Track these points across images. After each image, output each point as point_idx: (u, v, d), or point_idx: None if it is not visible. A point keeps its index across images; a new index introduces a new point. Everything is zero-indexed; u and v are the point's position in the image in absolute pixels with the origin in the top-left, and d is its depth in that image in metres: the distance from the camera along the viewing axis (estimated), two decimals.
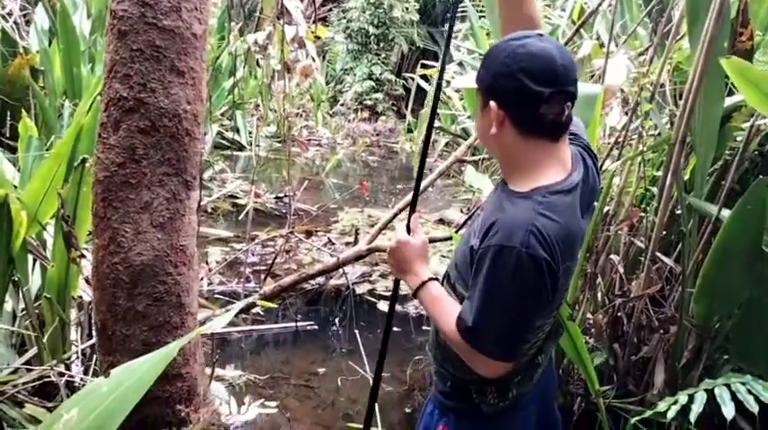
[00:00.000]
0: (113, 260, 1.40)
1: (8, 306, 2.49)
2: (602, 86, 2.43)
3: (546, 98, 1.09)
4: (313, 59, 5.45)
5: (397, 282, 1.50)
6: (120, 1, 1.42)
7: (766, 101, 1.74)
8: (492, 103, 1.14)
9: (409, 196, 3.60)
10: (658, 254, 2.39)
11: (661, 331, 2.40)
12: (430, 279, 1.30)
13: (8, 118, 4.80)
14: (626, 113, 2.48)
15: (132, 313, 1.42)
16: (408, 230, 1.37)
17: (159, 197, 1.43)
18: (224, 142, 7.71)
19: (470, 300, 1.16)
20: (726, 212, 2.02)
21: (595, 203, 2.61)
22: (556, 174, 1.16)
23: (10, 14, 5.64)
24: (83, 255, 2.14)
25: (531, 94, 1.09)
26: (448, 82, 6.89)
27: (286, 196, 5.86)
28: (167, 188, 1.44)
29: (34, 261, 2.54)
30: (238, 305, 2.60)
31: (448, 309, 1.24)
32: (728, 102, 2.19)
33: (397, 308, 3.79)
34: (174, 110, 1.44)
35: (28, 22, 6.05)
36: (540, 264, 1.07)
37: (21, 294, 2.44)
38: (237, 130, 8.25)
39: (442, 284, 1.35)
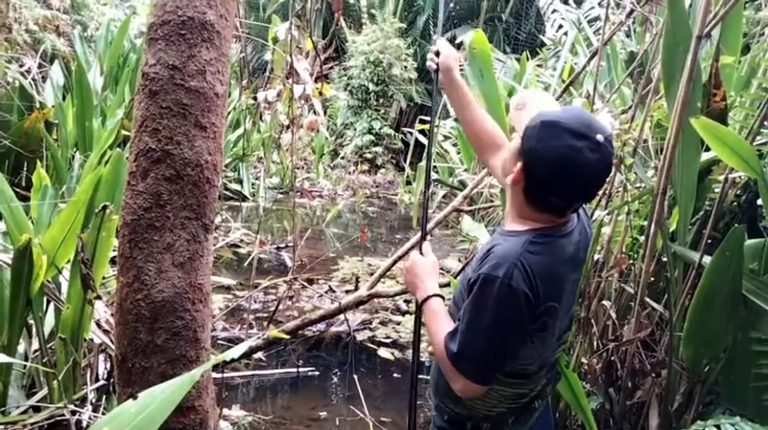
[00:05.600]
0: (137, 297, 1.51)
1: (20, 348, 2.57)
2: None
3: (561, 195, 1.21)
4: (316, 114, 5.70)
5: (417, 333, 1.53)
6: (152, 64, 1.59)
7: (735, 155, 1.88)
8: (520, 163, 1.21)
9: (408, 244, 3.73)
10: (647, 299, 2.48)
11: (653, 375, 2.47)
12: (435, 295, 1.40)
13: (24, 169, 4.96)
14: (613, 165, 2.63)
15: (152, 346, 1.51)
16: (421, 253, 1.52)
17: (181, 239, 1.55)
18: (227, 193, 7.89)
19: (458, 323, 1.27)
20: (708, 259, 2.12)
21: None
22: (551, 222, 1.28)
23: (29, 71, 5.93)
24: (99, 297, 2.25)
25: (549, 187, 1.19)
26: (445, 136, 7.16)
27: (287, 246, 5.97)
28: (188, 231, 1.56)
29: (47, 303, 2.64)
30: (252, 339, 2.66)
31: (442, 327, 1.33)
32: (707, 156, 2.33)
33: (399, 355, 3.86)
34: (197, 160, 1.59)
35: (44, 79, 6.32)
36: (518, 296, 1.17)
37: (34, 336, 2.52)
38: (240, 182, 8.47)
39: None
